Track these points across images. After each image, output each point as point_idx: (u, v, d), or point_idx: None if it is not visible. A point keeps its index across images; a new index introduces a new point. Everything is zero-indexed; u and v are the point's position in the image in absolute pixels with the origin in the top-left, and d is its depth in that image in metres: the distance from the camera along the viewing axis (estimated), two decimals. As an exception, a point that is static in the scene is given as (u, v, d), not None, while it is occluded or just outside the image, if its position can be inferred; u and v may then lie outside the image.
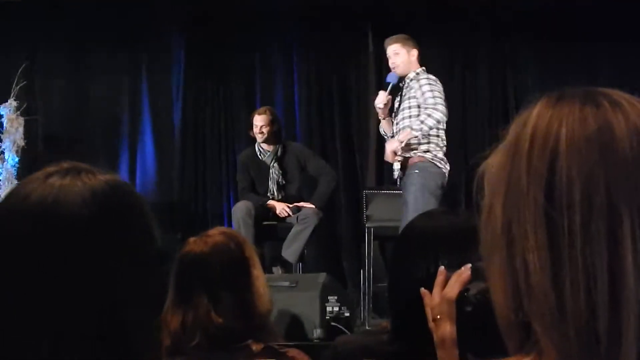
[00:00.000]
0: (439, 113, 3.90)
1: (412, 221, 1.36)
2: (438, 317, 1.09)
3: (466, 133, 5.73)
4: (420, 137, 3.92)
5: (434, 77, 4.04)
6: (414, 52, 4.08)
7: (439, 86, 4.01)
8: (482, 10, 5.72)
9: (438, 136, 4.02)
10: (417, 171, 3.91)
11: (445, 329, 1.07)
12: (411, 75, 4.06)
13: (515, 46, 5.82)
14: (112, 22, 5.76)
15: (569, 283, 0.61)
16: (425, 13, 5.74)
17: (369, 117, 5.80)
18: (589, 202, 0.62)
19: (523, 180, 0.64)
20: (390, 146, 3.93)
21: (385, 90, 4.09)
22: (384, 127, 4.18)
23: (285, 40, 5.95)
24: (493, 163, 0.69)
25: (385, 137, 4.21)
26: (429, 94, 3.95)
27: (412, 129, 3.89)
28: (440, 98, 3.95)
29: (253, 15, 5.84)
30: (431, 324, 1.10)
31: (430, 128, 3.90)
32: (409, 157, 3.98)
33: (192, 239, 1.73)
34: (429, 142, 3.98)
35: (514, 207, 0.65)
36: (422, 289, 1.13)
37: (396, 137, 3.97)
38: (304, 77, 5.95)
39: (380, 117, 4.18)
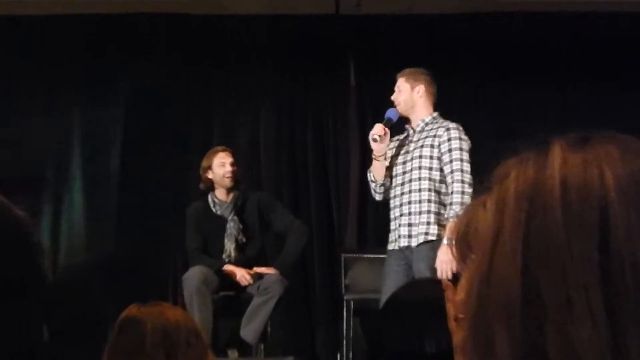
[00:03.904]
0: (470, 187, 3.89)
1: (394, 293, 1.43)
2: (461, 315, 1.08)
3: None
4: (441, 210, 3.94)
5: (461, 129, 4.04)
6: (420, 89, 4.11)
7: (466, 138, 4.02)
8: (478, 40, 5.88)
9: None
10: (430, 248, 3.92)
11: None
12: (426, 119, 4.10)
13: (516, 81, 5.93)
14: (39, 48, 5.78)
15: (636, 349, 0.62)
16: (414, 42, 5.85)
17: (350, 163, 5.82)
18: None
19: (560, 235, 0.65)
20: (447, 256, 3.73)
21: (384, 123, 4.10)
22: (375, 171, 4.17)
23: (250, 70, 5.97)
24: (483, 219, 0.69)
25: (373, 183, 4.20)
26: (457, 155, 3.93)
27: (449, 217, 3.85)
28: (469, 162, 3.96)
29: (213, 37, 5.90)
30: (451, 324, 1.09)
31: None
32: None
33: (134, 306, 1.85)
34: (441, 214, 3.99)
35: (543, 269, 0.64)
36: (445, 281, 1.11)
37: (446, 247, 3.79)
38: (272, 114, 5.98)
39: (374, 156, 4.16)
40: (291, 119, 5.99)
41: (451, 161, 3.94)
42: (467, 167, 3.94)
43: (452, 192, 3.92)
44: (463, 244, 0.72)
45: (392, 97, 4.17)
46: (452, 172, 3.93)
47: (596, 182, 0.66)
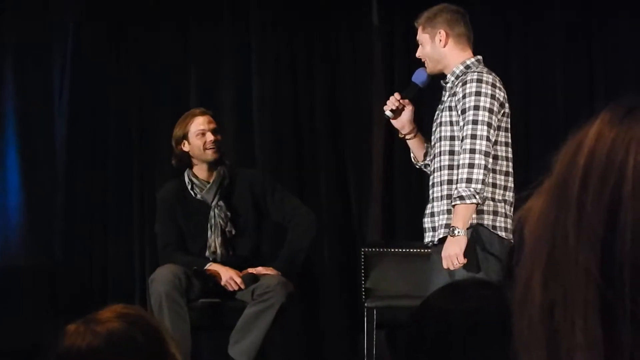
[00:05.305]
0: (482, 157, 3.82)
1: (428, 299, 1.44)
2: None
3: (530, 141, 5.70)
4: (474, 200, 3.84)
5: (490, 77, 3.96)
6: (441, 36, 4.04)
7: (490, 92, 3.91)
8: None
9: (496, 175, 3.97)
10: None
11: None
12: (457, 70, 4.03)
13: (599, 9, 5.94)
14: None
15: None
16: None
17: (372, 130, 5.78)
18: None
19: (571, 240, 0.67)
20: (453, 250, 3.78)
21: (406, 92, 4.13)
22: (413, 150, 4.25)
23: (242, 9, 5.96)
24: (535, 209, 0.72)
25: (417, 165, 4.26)
26: (471, 116, 3.86)
27: (456, 198, 3.78)
28: (488, 124, 3.87)
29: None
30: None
31: (479, 191, 3.80)
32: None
33: (72, 327, 1.75)
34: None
35: (558, 283, 0.68)
36: None
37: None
38: (269, 66, 6.00)
39: (400, 135, 4.21)
40: (293, 70, 5.97)
41: (464, 125, 3.87)
42: (483, 131, 3.84)
43: (458, 166, 3.86)
44: (516, 235, 0.74)
45: (417, 55, 4.14)
46: (463, 139, 3.87)
47: (616, 170, 0.66)
